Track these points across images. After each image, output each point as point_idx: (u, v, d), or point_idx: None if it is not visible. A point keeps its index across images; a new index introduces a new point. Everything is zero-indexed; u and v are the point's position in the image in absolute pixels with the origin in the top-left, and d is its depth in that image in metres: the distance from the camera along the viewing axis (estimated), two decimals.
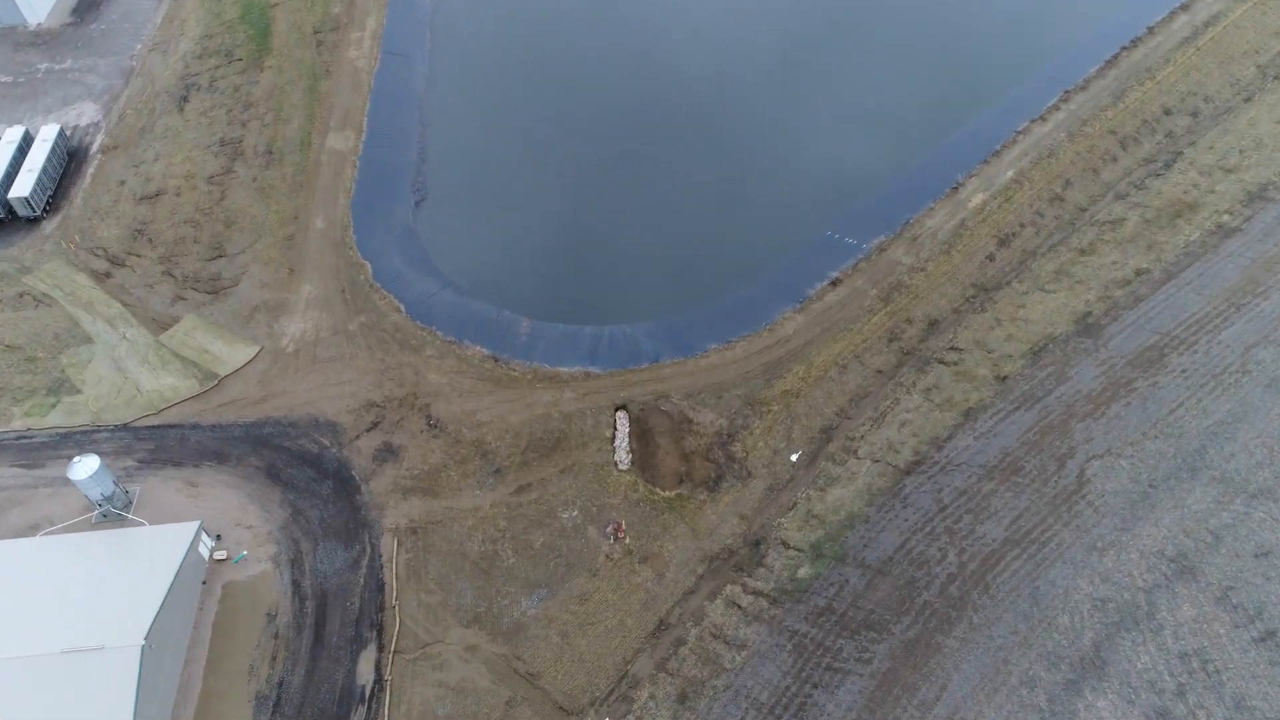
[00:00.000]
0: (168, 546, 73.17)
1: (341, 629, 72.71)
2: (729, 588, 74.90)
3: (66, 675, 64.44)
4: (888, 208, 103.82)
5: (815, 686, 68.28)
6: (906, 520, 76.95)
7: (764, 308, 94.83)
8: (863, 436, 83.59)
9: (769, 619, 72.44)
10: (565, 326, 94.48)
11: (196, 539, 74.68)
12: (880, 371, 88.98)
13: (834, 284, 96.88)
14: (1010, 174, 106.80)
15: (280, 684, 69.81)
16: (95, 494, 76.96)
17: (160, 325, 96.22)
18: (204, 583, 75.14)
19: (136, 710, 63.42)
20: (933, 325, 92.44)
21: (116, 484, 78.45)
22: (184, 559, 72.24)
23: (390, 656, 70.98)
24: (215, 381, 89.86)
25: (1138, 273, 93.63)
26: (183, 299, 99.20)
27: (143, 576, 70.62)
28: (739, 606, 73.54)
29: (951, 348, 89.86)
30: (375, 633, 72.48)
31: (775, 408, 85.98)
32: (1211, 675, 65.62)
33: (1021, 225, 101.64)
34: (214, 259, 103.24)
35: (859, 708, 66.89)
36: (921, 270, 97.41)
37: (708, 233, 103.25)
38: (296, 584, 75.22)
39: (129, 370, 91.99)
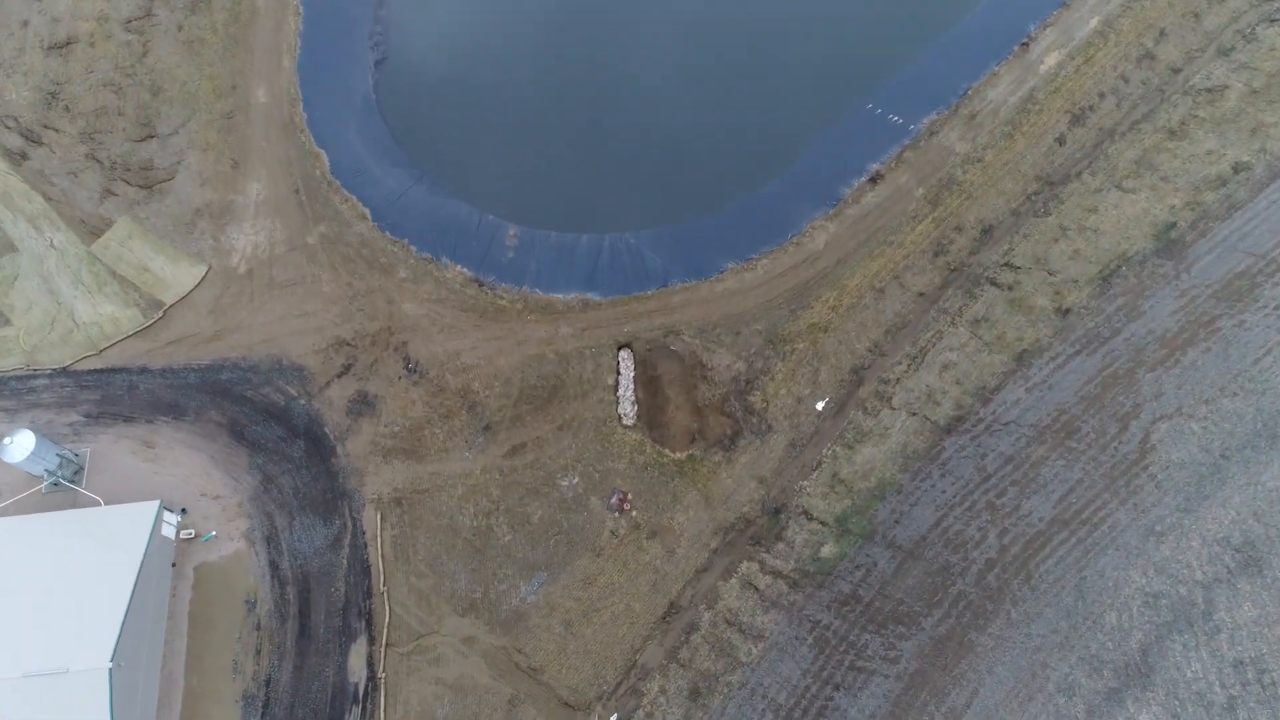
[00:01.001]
0: (127, 533, 66.13)
1: (328, 619, 67.49)
2: (745, 564, 68.73)
3: (28, 701, 59.82)
4: (942, 73, 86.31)
5: (837, 688, 64.03)
6: (944, 492, 69.18)
7: (790, 212, 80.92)
8: (898, 380, 73.69)
9: (788, 605, 66.92)
10: (559, 236, 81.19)
11: (158, 521, 67.58)
12: (922, 295, 77.21)
13: (873, 180, 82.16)
14: (1094, 23, 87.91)
15: (268, 682, 65.66)
16: (39, 470, 68.88)
17: (91, 230, 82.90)
18: (173, 564, 69.01)
19: None
20: (986, 233, 79.18)
21: (62, 453, 70.11)
22: (146, 548, 65.57)
23: (383, 650, 66.31)
24: (161, 313, 78.49)
25: (1236, 168, 78.66)
26: (113, 194, 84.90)
27: (103, 574, 64.21)
28: (756, 589, 67.79)
29: (1007, 263, 77.32)
30: (364, 623, 67.34)
31: (800, 345, 75.28)
32: (1267, 688, 60.89)
33: (1101, 94, 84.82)
34: (144, 140, 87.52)
35: (883, 714, 62.96)
36: (978, 161, 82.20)
37: (726, 110, 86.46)
38: (275, 566, 69.06)
39: (62, 293, 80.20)
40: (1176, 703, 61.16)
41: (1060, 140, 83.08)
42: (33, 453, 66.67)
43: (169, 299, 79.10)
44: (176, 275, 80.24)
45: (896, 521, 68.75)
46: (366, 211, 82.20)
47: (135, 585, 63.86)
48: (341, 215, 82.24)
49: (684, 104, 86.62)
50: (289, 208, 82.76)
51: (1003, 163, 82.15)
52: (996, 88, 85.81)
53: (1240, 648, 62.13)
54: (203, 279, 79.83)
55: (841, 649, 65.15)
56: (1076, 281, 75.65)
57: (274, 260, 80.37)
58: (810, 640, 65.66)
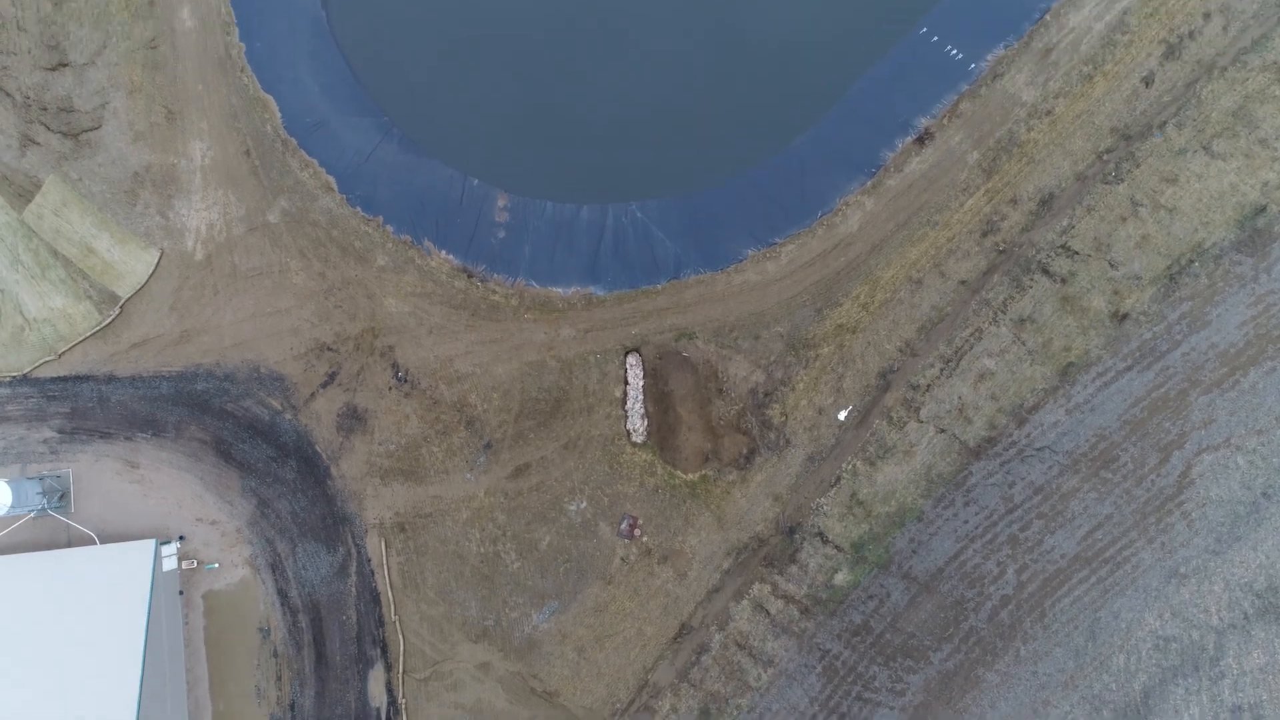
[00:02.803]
0: (128, 575, 64.93)
1: (343, 646, 68.17)
2: (757, 586, 68.19)
3: None
4: None
5: (842, 718, 66.21)
6: (966, 522, 66.71)
7: (820, 181, 70.00)
8: (928, 387, 68.23)
9: (799, 632, 67.30)
10: (556, 208, 70.92)
11: (158, 559, 66.02)
12: (964, 283, 69.20)
13: (920, 140, 70.11)
14: None
15: (292, 706, 67.88)
16: (25, 510, 65.96)
17: (18, 192, 72.50)
18: (181, 593, 68.45)
19: None
20: (1045, 205, 69.20)
21: (44, 479, 66.81)
22: (151, 589, 64.72)
23: (400, 677, 67.74)
24: (117, 309, 70.78)
25: None
26: (34, 142, 73.08)
27: (111, 621, 63.91)
28: (767, 612, 67.82)
29: (1063, 246, 68.38)
30: (380, 650, 68.13)
31: (825, 350, 68.77)
32: None
33: (1207, 13, 69.99)
34: (56, 69, 73.70)
35: None
36: (1046, 114, 69.67)
37: (746, 43, 71.58)
38: (283, 593, 68.48)
39: (2, 276, 71.92)
40: None
41: (1147, 80, 69.82)
42: (12, 504, 63.48)
43: (123, 291, 70.96)
44: (126, 260, 71.29)
45: (914, 551, 67.08)
46: (331, 180, 71.07)
47: (147, 629, 63.84)
48: (303, 185, 71.27)
49: (695, 36, 71.66)
50: (241, 175, 71.51)
51: (1075, 114, 69.64)
52: (1081, 9, 70.43)
53: (1241, 694, 63.36)
54: (156, 266, 71.04)
55: (849, 680, 66.56)
56: (1140, 279, 67.28)
57: (233, 244, 70.96)
58: (819, 669, 66.85)
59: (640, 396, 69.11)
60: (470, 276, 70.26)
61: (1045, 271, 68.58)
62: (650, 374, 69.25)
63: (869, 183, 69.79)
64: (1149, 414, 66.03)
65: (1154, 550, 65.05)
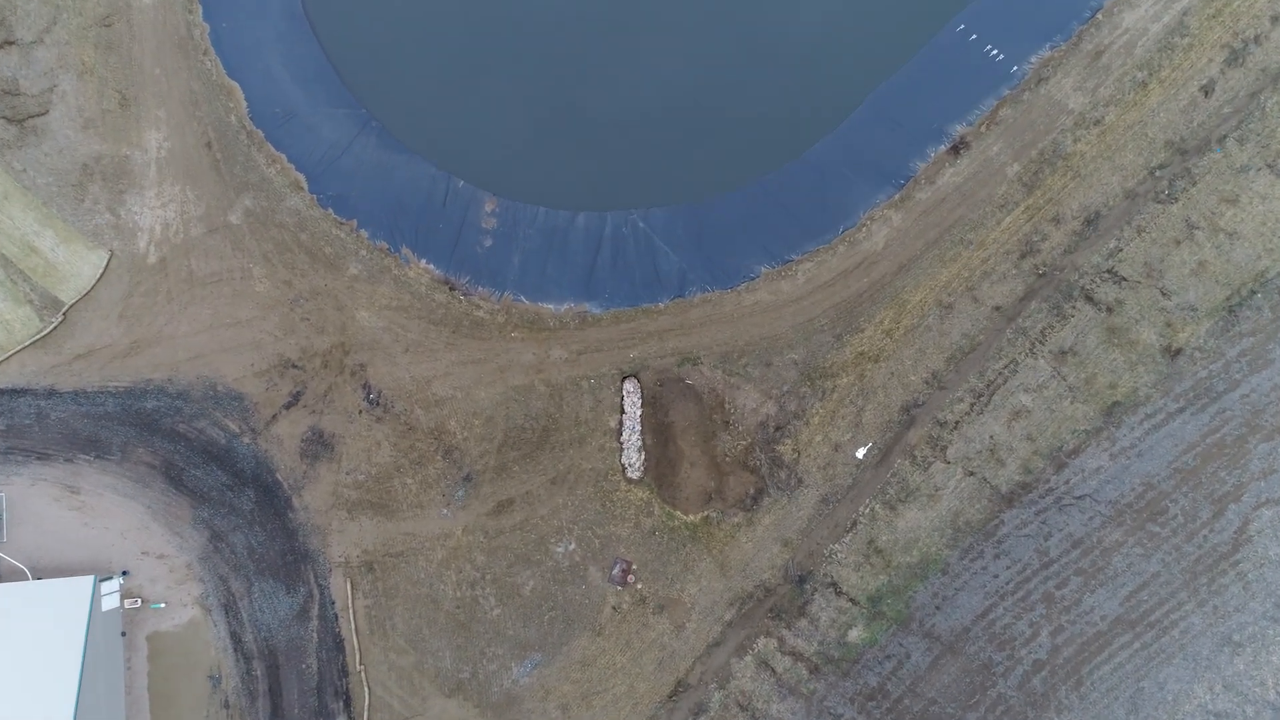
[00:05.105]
0: (62, 616, 58.07)
1: (302, 698, 61.44)
2: (762, 640, 61.50)
3: None
4: None
5: None
6: (996, 576, 60.08)
7: (843, 191, 63.23)
8: (956, 424, 61.55)
9: (807, 694, 60.67)
10: (549, 215, 64.07)
11: (96, 598, 59.18)
12: (998, 309, 62.46)
13: (955, 150, 63.31)
14: None
15: None
16: None
17: None
18: (123, 635, 61.61)
19: None
20: (1090, 224, 62.45)
21: None
22: (87, 632, 57.95)
23: None
24: (60, 315, 63.79)
25: None
26: None
27: (45, 664, 57.15)
28: (772, 670, 61.16)
29: (1110, 271, 61.69)
30: (343, 703, 61.33)
31: (844, 381, 62.04)
32: None
33: (1275, 17, 63.26)
34: (1, 46, 66.68)
35: None
36: (1095, 124, 62.89)
37: (761, 34, 64.62)
38: (237, 637, 61.67)
39: None
40: None
41: (1207, 89, 63.03)
42: None
43: (67, 296, 64.01)
44: (71, 261, 64.30)
45: (937, 607, 60.44)
46: (301, 178, 64.16)
47: (81, 676, 57.18)
48: (270, 182, 64.28)
49: (707, 27, 64.71)
50: (201, 169, 64.52)
51: (1127, 125, 62.85)
52: (1136, 8, 63.59)
53: None
54: (105, 269, 64.08)
55: None
56: (1195, 311, 60.58)
57: (190, 246, 63.98)
58: None
59: (637, 427, 62.31)
60: (452, 289, 63.34)
61: (1089, 299, 61.85)
62: (649, 402, 62.42)
63: (897, 195, 62.99)
64: (1202, 462, 59.37)
65: (1205, 614, 58.45)
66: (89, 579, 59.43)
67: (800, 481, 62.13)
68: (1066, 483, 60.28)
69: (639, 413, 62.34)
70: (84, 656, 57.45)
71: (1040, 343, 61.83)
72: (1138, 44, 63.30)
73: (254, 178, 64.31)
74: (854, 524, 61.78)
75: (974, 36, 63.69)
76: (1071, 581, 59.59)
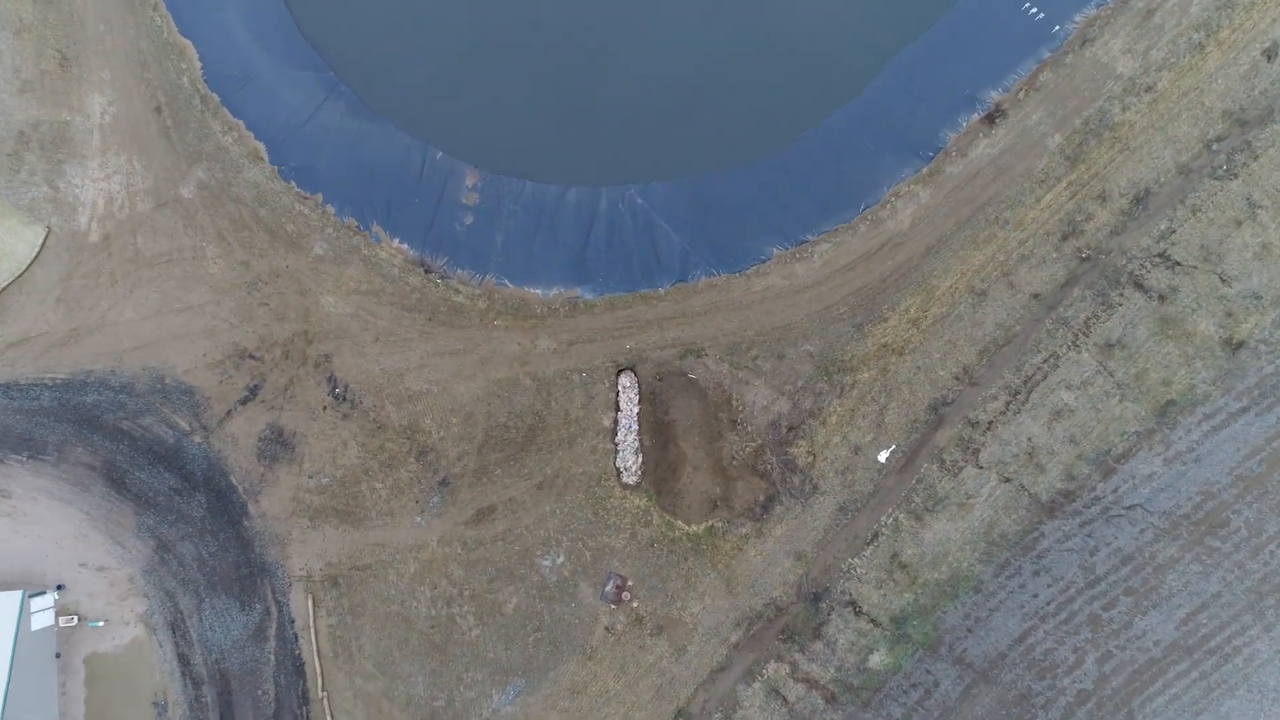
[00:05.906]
0: None
1: None
2: (772, 665, 55.01)
3: None
4: None
5: None
6: (1036, 595, 53.59)
7: (864, 165, 56.73)
8: (991, 425, 55.05)
9: None
10: (536, 188, 57.56)
11: (24, 615, 52.72)
12: (1037, 297, 55.95)
13: (990, 118, 56.79)
14: None
15: None
16: None
17: None
18: (58, 656, 55.10)
19: None
20: (1139, 203, 55.92)
21: None
22: (13, 652, 51.53)
23: None
24: None
25: None
26: None
27: None
28: (784, 699, 54.68)
29: (1162, 254, 55.15)
30: None
31: (865, 375, 55.52)
32: None
33: None
34: None
35: None
36: (1145, 91, 56.38)
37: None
38: (184, 659, 55.19)
39: None
40: None
41: (1270, 52, 56.50)
42: None
43: None
44: (4, 239, 57.76)
45: (969, 630, 53.93)
46: (261, 147, 57.64)
47: (4, 702, 50.80)
48: (226, 152, 57.73)
49: None
50: (149, 137, 57.99)
51: (1180, 92, 56.35)
52: None
53: None
54: (41, 247, 57.56)
55: None
56: (1259, 299, 54.08)
57: (137, 222, 57.47)
58: None
59: (634, 427, 55.79)
60: (428, 271, 56.82)
61: (1139, 286, 55.30)
62: (647, 399, 55.89)
63: (924, 169, 56.45)
64: (1268, 469, 52.87)
65: (1272, 640, 51.99)
66: (17, 594, 53.05)
67: (815, 488, 55.56)
68: (1115, 491, 53.70)
69: (636, 410, 55.77)
70: (8, 681, 51.10)
71: (1084, 334, 55.29)
72: (1193, 2, 56.79)
73: (208, 147, 57.73)
74: (875, 536, 55.27)
75: None
76: (1121, 602, 53.04)
